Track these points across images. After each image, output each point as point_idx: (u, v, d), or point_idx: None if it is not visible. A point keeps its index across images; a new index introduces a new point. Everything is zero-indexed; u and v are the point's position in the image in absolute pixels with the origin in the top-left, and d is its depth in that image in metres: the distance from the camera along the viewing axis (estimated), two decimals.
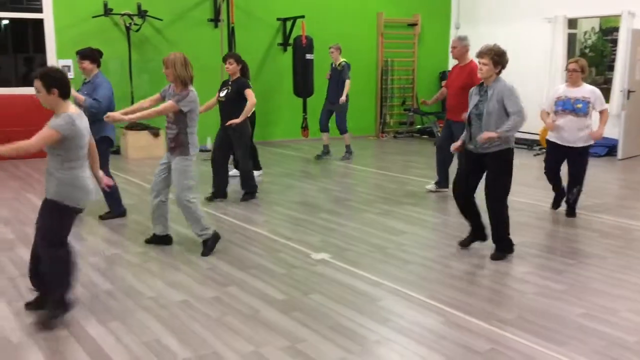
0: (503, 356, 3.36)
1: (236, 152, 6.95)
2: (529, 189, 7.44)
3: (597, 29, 13.39)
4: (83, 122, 3.71)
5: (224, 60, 6.86)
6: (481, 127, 4.79)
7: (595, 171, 9.16)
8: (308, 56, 10.71)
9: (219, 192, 7.02)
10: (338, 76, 9.54)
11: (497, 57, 4.72)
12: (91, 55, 6.00)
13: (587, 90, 6.08)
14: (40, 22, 10.01)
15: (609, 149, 10.58)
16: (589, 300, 4.16)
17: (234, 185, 7.51)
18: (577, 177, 6.23)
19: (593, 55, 13.40)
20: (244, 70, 6.98)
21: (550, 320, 3.83)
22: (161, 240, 5.32)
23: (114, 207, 6.22)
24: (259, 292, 4.25)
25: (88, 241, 5.45)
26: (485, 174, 4.97)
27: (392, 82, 13.30)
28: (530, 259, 5.07)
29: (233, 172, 8.16)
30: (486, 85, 4.84)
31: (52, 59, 9.95)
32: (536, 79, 11.27)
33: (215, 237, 5.16)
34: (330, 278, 4.55)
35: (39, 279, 3.86)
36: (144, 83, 10.65)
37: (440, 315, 3.89)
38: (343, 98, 9.45)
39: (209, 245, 5.11)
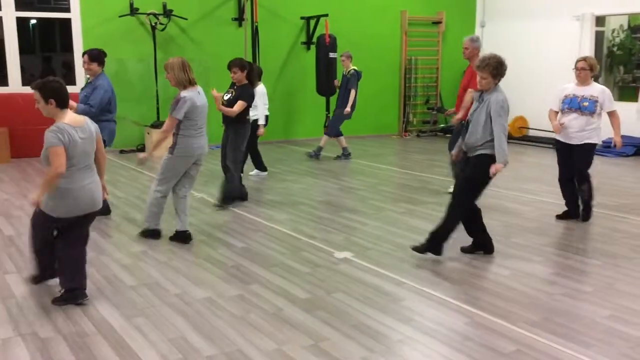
0: (528, 358, 3.33)
1: (227, 152, 6.60)
2: (554, 188, 7.35)
3: (625, 27, 13.18)
4: (79, 132, 3.80)
5: (229, 68, 6.60)
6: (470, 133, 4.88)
7: (623, 171, 9.03)
8: (331, 55, 10.73)
9: (237, 193, 6.91)
10: (346, 84, 9.59)
11: (496, 71, 4.76)
12: (99, 57, 6.04)
13: (597, 90, 5.96)
14: (67, 21, 10.16)
15: (637, 148, 10.41)
16: (616, 302, 4.10)
17: (252, 183, 7.54)
18: (581, 173, 6.08)
19: (621, 53, 13.19)
20: (250, 75, 6.68)
21: (576, 321, 3.79)
22: (178, 236, 5.39)
23: None
24: (282, 291, 4.27)
25: (114, 238, 5.52)
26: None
27: (415, 80, 13.24)
28: (556, 259, 5.01)
29: (254, 172, 8.19)
30: (484, 93, 4.89)
31: (79, 58, 10.08)
32: (563, 78, 11.10)
33: (154, 234, 5.42)
34: (353, 277, 4.55)
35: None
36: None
37: (465, 316, 3.87)
38: (348, 109, 9.48)
39: (144, 234, 5.43)
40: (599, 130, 5.99)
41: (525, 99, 11.95)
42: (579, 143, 5.98)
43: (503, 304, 4.06)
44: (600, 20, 12.00)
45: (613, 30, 13.10)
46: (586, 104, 5.91)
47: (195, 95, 5.20)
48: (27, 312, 3.88)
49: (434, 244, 4.95)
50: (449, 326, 3.73)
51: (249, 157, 7.15)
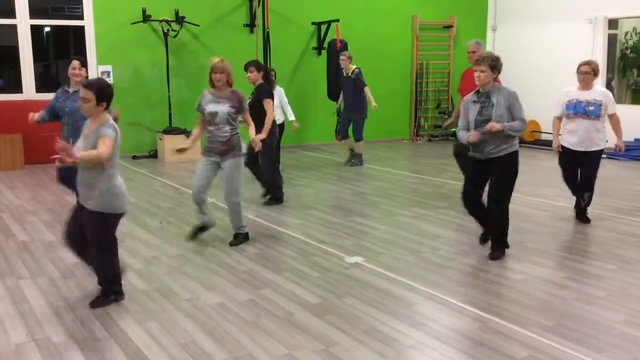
0: None
1: (260, 158, 6.79)
2: (568, 193, 7.29)
3: (638, 29, 13.09)
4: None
5: (245, 69, 6.70)
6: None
7: (636, 174, 8.95)
8: None
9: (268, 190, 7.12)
10: (352, 85, 9.48)
11: (494, 63, 4.79)
12: (86, 64, 5.91)
13: (599, 93, 5.96)
14: (81, 28, 10.25)
15: None
16: (630, 306, 4.06)
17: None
18: (588, 181, 6.10)
19: (634, 56, 13.11)
20: (267, 75, 6.77)
21: (590, 327, 3.75)
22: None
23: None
24: (293, 295, 4.27)
25: (125, 243, 5.54)
26: (490, 178, 4.99)
27: (427, 85, 13.22)
28: (570, 264, 4.98)
29: None
30: (484, 91, 4.86)
31: (92, 65, 10.16)
32: (575, 81, 11.04)
33: (245, 237, 5.59)
34: (364, 282, 4.54)
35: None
36: (180, 88, 10.82)
37: (477, 321, 3.85)
38: (375, 105, 9.33)
39: (240, 240, 5.53)
40: (604, 135, 5.99)
41: (537, 102, 11.84)
42: (587, 150, 5.95)
43: (516, 308, 4.03)
44: (613, 23, 11.92)
45: (626, 33, 13.02)
46: (592, 108, 5.90)
47: None
48: (40, 317, 3.90)
49: (500, 245, 5.09)
50: (461, 331, 3.71)
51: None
